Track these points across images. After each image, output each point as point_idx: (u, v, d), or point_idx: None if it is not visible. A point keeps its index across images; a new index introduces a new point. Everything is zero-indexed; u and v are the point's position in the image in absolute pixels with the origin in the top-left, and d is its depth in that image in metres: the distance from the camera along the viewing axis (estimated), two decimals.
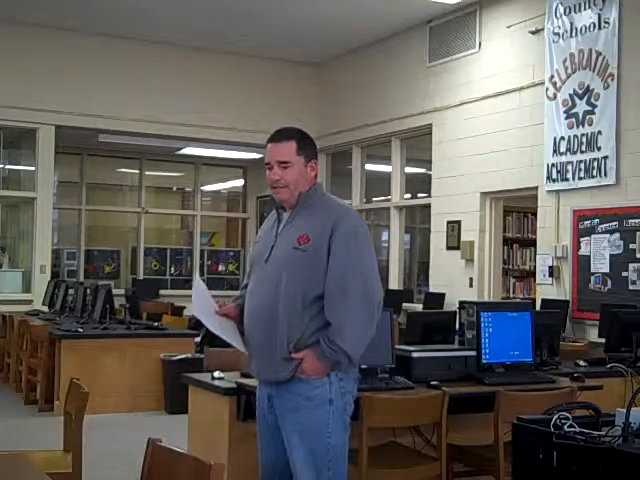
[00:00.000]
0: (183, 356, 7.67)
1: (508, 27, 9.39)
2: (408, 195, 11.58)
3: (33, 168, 11.32)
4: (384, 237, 12.18)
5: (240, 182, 14.91)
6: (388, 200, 11.68)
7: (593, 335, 7.89)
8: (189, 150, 13.06)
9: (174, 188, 15.32)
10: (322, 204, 3.18)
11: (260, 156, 13.54)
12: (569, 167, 8.43)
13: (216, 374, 4.31)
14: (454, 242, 10.00)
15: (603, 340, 6.24)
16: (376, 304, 3.08)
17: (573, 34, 8.48)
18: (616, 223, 7.95)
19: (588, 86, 8.26)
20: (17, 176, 12.35)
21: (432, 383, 4.30)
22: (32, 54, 10.89)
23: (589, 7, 8.31)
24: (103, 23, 10.89)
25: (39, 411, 7.66)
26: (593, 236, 8.17)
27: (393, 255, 11.48)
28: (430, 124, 10.57)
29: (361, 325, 3.05)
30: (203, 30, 11.14)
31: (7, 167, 12.50)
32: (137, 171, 13.88)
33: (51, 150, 11.20)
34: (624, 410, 2.61)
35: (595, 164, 8.16)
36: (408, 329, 5.40)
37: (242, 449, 3.84)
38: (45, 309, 10.13)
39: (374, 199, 12.42)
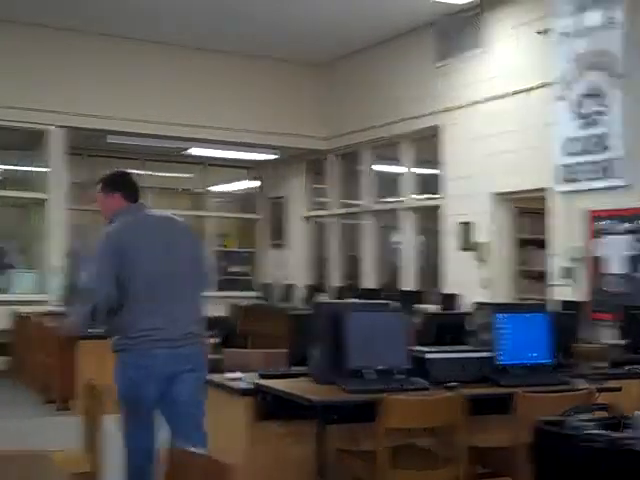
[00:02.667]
0: None
1: (516, 27, 9.39)
2: (419, 196, 11.57)
3: (45, 169, 11.38)
4: (396, 239, 12.18)
5: (251, 183, 14.95)
6: (399, 201, 11.67)
7: (609, 336, 7.86)
8: (197, 151, 13.10)
9: (182, 189, 15.34)
10: None
11: (272, 157, 13.59)
12: (580, 168, 8.40)
13: (234, 375, 4.33)
14: (467, 243, 9.99)
15: (620, 341, 6.23)
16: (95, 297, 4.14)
17: (581, 34, 8.46)
18: (630, 224, 7.93)
19: (597, 86, 8.25)
20: (29, 177, 12.40)
21: (448, 384, 4.30)
22: (40, 56, 10.97)
23: (596, 7, 8.29)
24: (109, 24, 10.94)
25: (57, 410, 7.71)
26: (607, 237, 8.16)
27: (406, 256, 11.48)
28: (440, 125, 10.58)
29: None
30: (210, 31, 11.18)
31: (19, 168, 12.57)
32: (146, 172, 13.92)
33: (62, 151, 11.27)
34: None
35: (606, 164, 8.14)
36: (423, 330, 5.40)
37: (260, 450, 3.86)
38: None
39: (385, 200, 12.42)
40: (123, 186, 4.44)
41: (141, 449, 4.17)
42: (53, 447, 4.29)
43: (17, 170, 12.68)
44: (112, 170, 4.64)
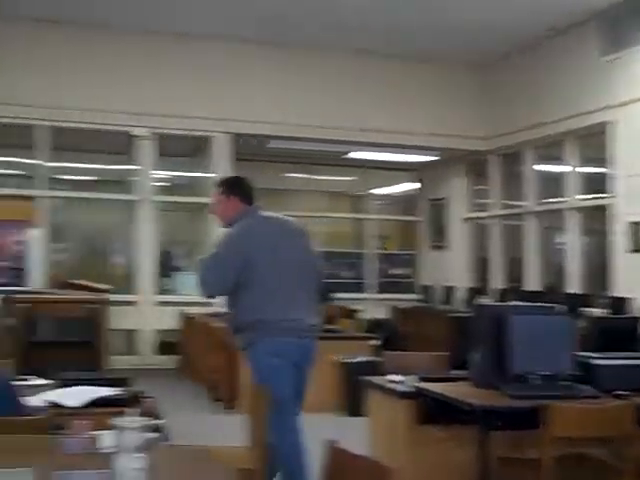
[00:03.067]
0: (361, 359, 7.71)
1: None
2: (585, 196, 11.16)
3: (210, 175, 11.79)
4: (560, 240, 11.81)
5: (411, 185, 14.91)
6: (563, 201, 11.31)
7: None
8: (357, 154, 13.19)
9: (345, 192, 15.49)
10: None
11: (432, 158, 13.49)
12: None
13: (395, 377, 4.32)
14: (639, 244, 9.55)
15: None
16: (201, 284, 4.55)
17: None
18: None
19: None
20: (195, 183, 12.87)
21: (617, 392, 4.10)
22: (206, 67, 11.37)
23: None
24: (271, 32, 11.17)
25: (225, 408, 7.96)
26: None
27: (571, 258, 11.10)
28: (608, 121, 10.16)
29: None
30: (369, 33, 11.21)
31: (186, 174, 13.08)
32: (308, 175, 14.19)
33: (226, 157, 11.64)
34: None
35: None
36: (587, 335, 5.20)
37: (420, 453, 3.83)
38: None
39: (548, 200, 12.04)
40: (241, 189, 4.75)
41: (291, 444, 4.35)
42: (220, 444, 4.44)
43: (184, 176, 13.22)
44: (230, 174, 4.94)
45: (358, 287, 13.86)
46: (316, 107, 11.79)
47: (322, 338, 8.13)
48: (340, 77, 11.98)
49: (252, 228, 4.58)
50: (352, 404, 7.42)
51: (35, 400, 3.68)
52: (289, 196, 14.69)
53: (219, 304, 5.27)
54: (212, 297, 4.81)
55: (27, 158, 11.55)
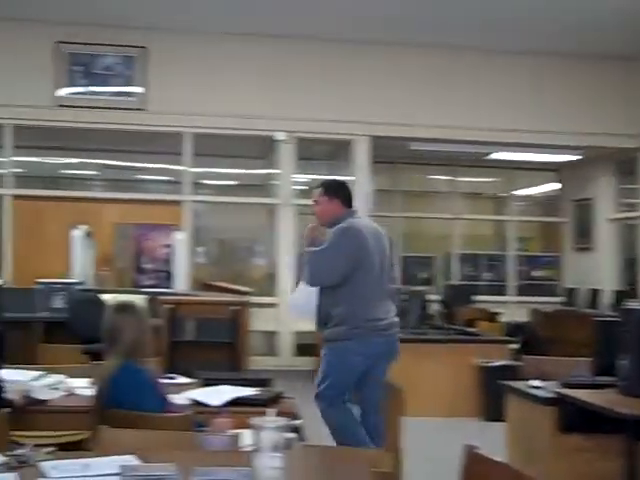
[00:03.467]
0: (500, 363, 7.57)
1: None
2: None
3: (350, 178, 11.85)
4: None
5: (554, 185, 14.52)
6: None
7: None
8: (499, 155, 12.96)
9: (486, 193, 15.27)
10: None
11: (574, 158, 13.09)
12: None
13: (535, 383, 4.22)
14: None
15: None
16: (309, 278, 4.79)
17: None
18: None
19: None
20: None
21: None
22: (344, 70, 11.41)
23: None
24: (405, 33, 11.08)
25: None
26: None
27: None
28: None
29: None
30: (508, 33, 10.96)
31: (326, 178, 13.17)
32: (448, 177, 14.06)
33: (367, 160, 11.66)
34: None
35: None
36: None
37: (563, 462, 3.70)
38: None
39: None
40: (343, 192, 5.04)
41: (360, 432, 4.62)
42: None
43: (323, 179, 13.33)
44: (332, 178, 5.33)
45: (499, 289, 13.62)
46: (458, 108, 11.62)
47: (461, 341, 8.17)
48: (481, 77, 11.77)
49: (359, 228, 4.80)
50: (490, 408, 7.29)
51: (179, 398, 3.81)
52: (431, 198, 14.62)
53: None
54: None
55: (174, 164, 11.98)
